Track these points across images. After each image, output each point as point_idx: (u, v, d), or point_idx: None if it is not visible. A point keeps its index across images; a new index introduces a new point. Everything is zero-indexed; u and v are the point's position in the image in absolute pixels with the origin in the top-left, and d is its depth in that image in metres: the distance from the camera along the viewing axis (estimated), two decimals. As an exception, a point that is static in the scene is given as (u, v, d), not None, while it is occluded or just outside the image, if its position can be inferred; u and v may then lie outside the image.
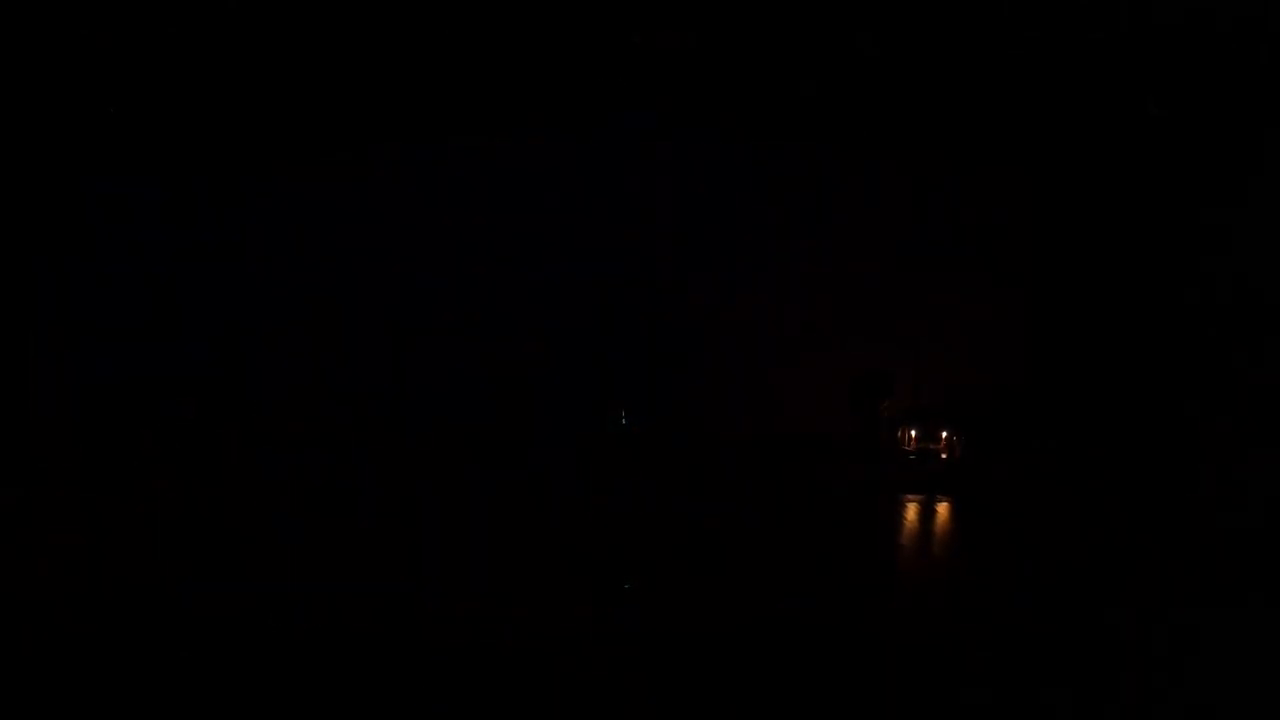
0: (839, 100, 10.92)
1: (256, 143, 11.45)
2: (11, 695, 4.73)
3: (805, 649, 5.52)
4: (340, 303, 12.19)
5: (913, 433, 10.85)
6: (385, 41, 8.52)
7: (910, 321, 12.95)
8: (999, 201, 13.10)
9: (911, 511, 9.51)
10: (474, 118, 11.33)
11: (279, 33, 8.14)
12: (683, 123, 11.69)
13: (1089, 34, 8.19)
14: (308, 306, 12.17)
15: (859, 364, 12.94)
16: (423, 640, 5.55)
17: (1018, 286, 13.18)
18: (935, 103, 11.06)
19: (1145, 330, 9.29)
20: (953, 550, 8.59)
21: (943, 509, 9.73)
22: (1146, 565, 7.31)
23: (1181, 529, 7.91)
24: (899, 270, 12.98)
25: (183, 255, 11.46)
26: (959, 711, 4.81)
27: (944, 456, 10.69)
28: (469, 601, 6.18)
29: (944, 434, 10.74)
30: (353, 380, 11.98)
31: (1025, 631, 6.03)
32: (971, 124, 12.03)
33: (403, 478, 10.10)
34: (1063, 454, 12.25)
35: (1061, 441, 12.76)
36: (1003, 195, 13.07)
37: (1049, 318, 13.25)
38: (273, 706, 4.71)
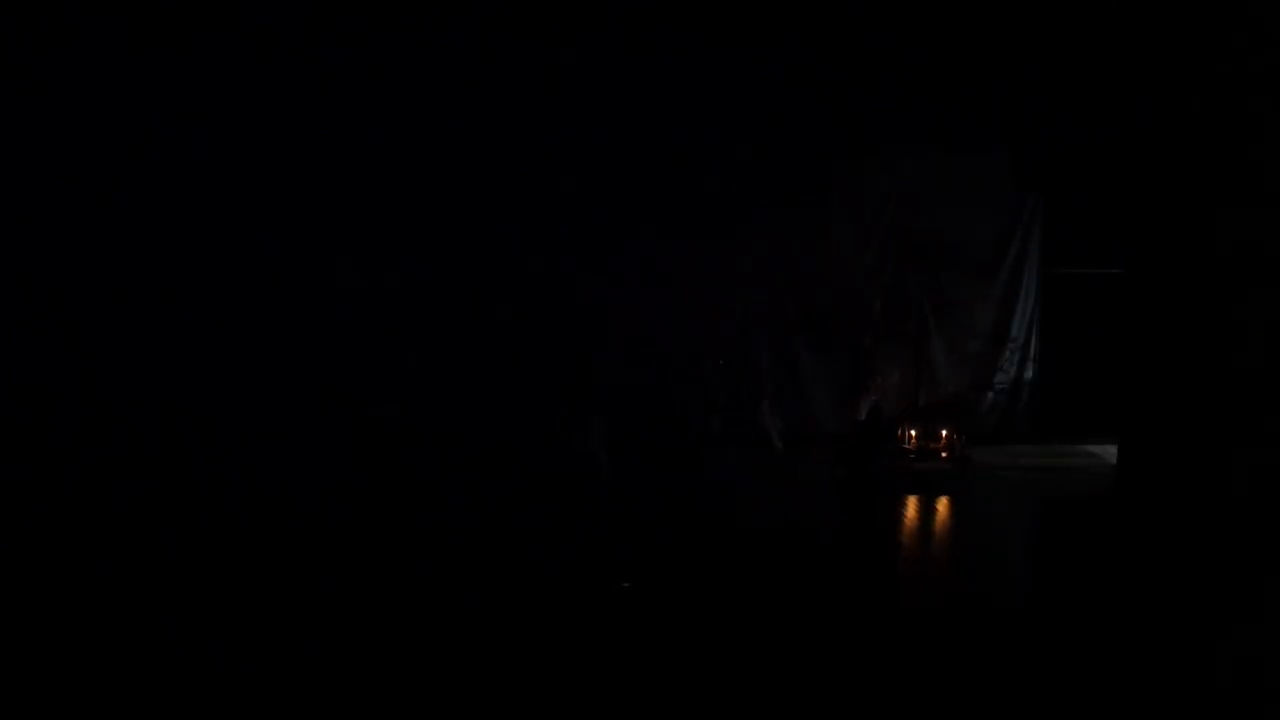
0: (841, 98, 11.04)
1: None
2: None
3: (806, 648, 5.53)
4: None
5: (913, 433, 10.83)
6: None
7: (910, 321, 12.97)
8: (1001, 200, 13.12)
9: (911, 511, 9.52)
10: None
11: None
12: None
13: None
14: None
15: (859, 362, 12.97)
16: (423, 640, 5.57)
17: (1018, 284, 13.21)
18: (940, 97, 11.17)
19: (1146, 328, 9.29)
20: (953, 549, 8.61)
21: (942, 508, 9.75)
22: (1147, 564, 7.32)
23: (1182, 527, 7.91)
24: (898, 269, 13.01)
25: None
26: (960, 711, 4.81)
27: (944, 456, 10.68)
28: (468, 601, 6.20)
29: (944, 434, 10.73)
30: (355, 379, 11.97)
31: (1025, 631, 6.05)
32: (975, 120, 12.11)
33: (403, 477, 10.11)
34: (1063, 453, 12.28)
35: (1062, 440, 12.78)
36: (1005, 193, 13.09)
37: (1050, 316, 13.28)
38: (274, 706, 4.73)
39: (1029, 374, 13.31)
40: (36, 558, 7.08)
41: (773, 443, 12.39)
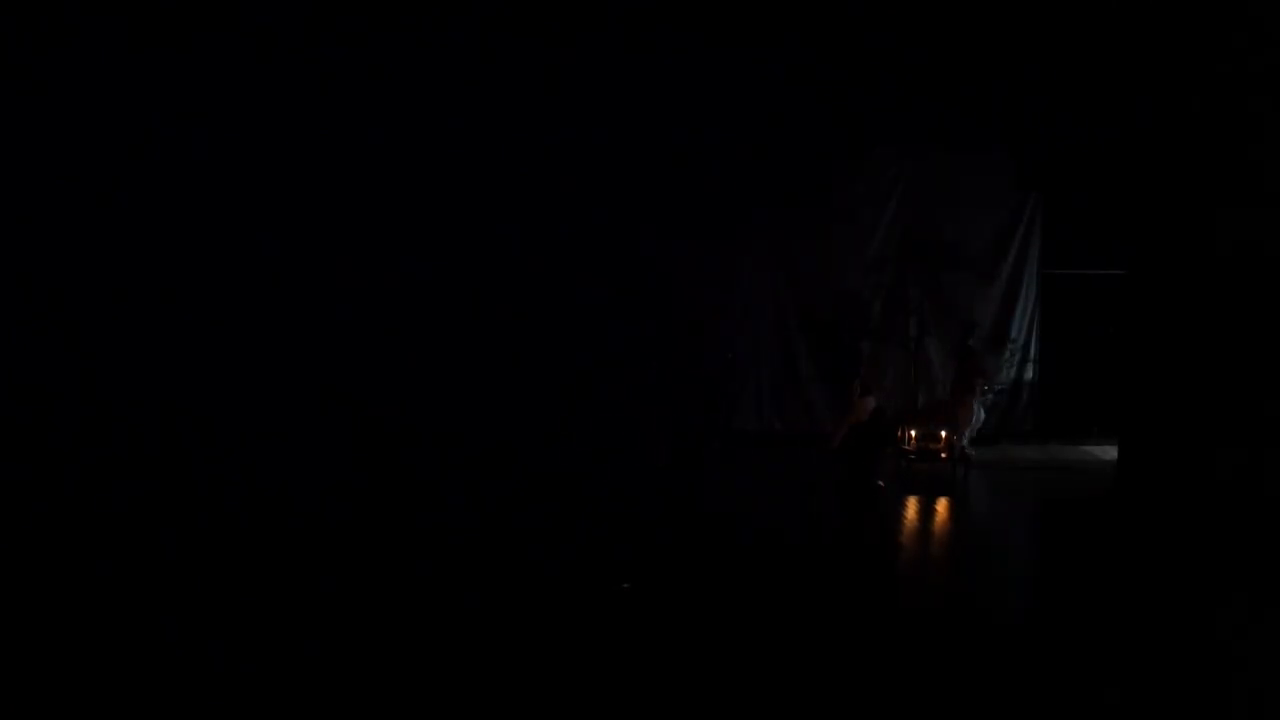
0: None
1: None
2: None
3: (805, 649, 5.53)
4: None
5: (912, 433, 10.82)
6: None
7: (910, 321, 12.98)
8: (1001, 199, 13.13)
9: (911, 511, 9.51)
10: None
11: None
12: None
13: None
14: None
15: (861, 360, 12.97)
16: (423, 640, 5.57)
17: (1018, 284, 13.22)
18: (940, 97, 11.19)
19: (1146, 328, 9.29)
20: (953, 550, 8.60)
21: (942, 508, 9.74)
22: (1147, 564, 7.32)
23: (1182, 527, 7.91)
24: (898, 269, 13.02)
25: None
26: (960, 712, 4.82)
27: (944, 456, 10.67)
28: (468, 601, 6.20)
29: (944, 434, 10.72)
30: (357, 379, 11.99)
31: (1025, 632, 6.05)
32: (975, 120, 12.14)
33: (403, 477, 10.11)
34: (1063, 453, 12.28)
35: (1062, 440, 12.79)
36: (1005, 193, 13.11)
37: (1050, 316, 13.29)
38: (274, 706, 4.73)
39: (1029, 374, 13.32)
40: (36, 558, 7.08)
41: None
